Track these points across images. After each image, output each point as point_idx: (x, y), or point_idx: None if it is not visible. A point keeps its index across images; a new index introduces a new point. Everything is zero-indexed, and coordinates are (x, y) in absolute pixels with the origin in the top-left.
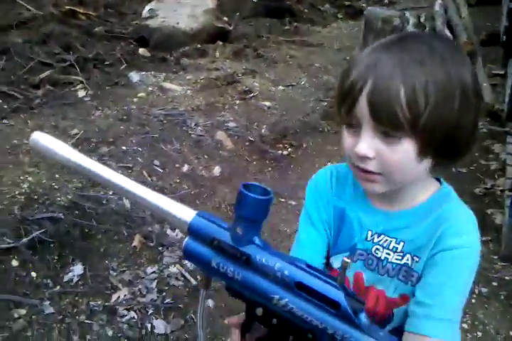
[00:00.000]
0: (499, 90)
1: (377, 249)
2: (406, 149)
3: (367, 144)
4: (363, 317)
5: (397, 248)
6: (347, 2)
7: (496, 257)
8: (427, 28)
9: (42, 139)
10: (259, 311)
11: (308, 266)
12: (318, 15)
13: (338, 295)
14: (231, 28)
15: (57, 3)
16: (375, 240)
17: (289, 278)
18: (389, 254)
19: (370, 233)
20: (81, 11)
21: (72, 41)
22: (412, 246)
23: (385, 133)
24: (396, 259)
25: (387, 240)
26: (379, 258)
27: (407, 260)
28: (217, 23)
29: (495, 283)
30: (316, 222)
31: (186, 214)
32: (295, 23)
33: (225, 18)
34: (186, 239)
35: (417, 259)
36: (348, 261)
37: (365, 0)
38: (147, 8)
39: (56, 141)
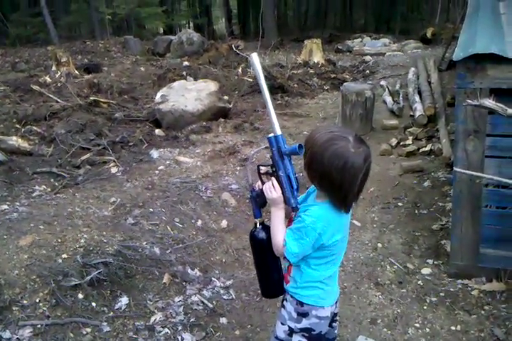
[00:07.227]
0: None
1: None
2: None
3: None
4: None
5: None
6: (332, 74)
7: (445, 275)
8: (401, 95)
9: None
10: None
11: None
12: (307, 88)
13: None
14: (231, 105)
15: (79, 93)
16: None
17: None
18: None
19: None
20: (102, 100)
21: (101, 128)
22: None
23: None
24: None
25: None
26: None
27: None
28: (219, 103)
29: (442, 294)
30: None
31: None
32: (286, 98)
33: (226, 97)
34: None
35: None
36: None
37: (348, 71)
38: (159, 94)
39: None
